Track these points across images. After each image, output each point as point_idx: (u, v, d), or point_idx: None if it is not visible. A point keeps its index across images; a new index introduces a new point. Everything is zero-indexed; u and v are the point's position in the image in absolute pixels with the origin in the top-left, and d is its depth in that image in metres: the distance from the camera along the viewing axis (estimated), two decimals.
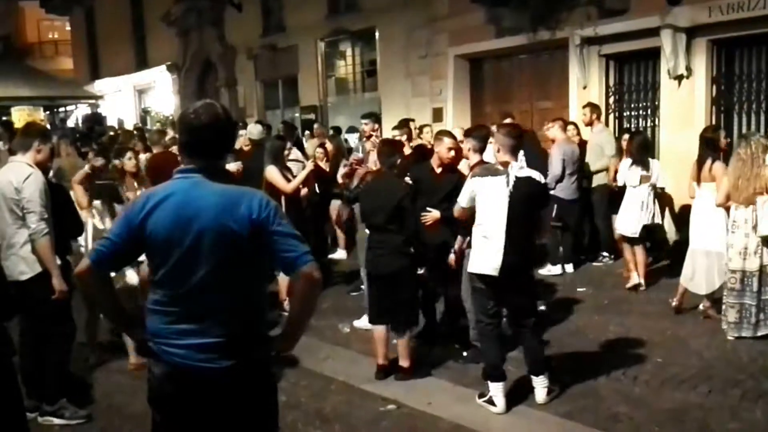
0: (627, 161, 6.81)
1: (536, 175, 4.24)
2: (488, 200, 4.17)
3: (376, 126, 7.90)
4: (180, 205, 2.24)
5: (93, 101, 21.69)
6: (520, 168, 4.20)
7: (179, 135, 2.39)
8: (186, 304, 2.24)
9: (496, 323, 4.32)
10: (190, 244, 2.21)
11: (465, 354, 5.03)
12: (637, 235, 6.71)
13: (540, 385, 4.30)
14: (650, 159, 6.88)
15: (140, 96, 20.84)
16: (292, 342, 2.44)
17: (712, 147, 5.78)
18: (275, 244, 2.25)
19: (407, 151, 6.69)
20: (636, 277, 6.79)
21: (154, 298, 2.30)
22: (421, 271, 4.89)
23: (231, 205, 2.23)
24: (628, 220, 6.71)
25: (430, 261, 5.06)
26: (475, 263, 4.24)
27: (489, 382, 4.26)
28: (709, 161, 5.70)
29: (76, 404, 4.29)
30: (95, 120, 19.08)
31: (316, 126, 11.03)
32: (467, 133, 5.20)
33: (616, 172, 7.19)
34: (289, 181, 6.34)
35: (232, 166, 6.33)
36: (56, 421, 4.17)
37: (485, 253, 4.17)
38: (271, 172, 6.17)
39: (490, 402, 4.24)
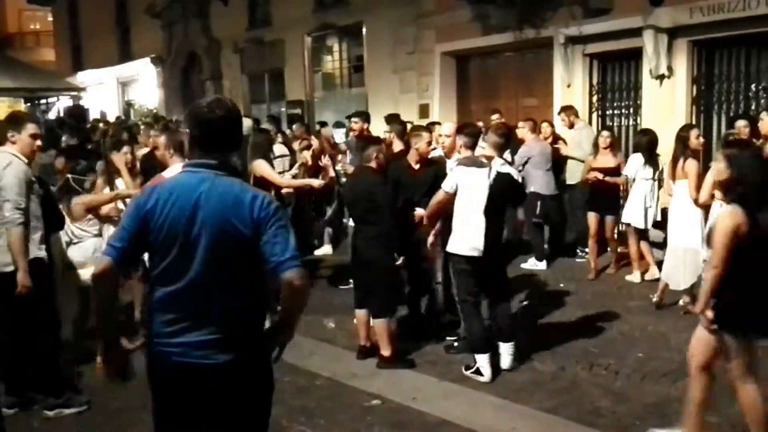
0: (638, 157, 6.69)
1: (515, 174, 4.65)
2: (470, 189, 4.55)
3: (366, 125, 7.90)
4: (184, 199, 2.24)
5: (75, 93, 21.39)
6: (501, 164, 4.59)
7: (191, 129, 2.36)
8: (183, 300, 2.25)
9: (478, 301, 4.72)
10: (191, 239, 2.23)
11: (456, 345, 5.12)
12: (643, 227, 6.73)
13: (506, 352, 4.72)
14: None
15: (123, 88, 20.64)
16: (283, 339, 2.44)
17: (684, 144, 5.88)
18: (266, 245, 2.25)
19: (398, 147, 6.71)
20: (638, 275, 6.89)
21: (154, 297, 2.31)
22: (399, 261, 4.97)
23: (234, 202, 2.25)
24: (640, 212, 6.68)
25: (411, 256, 5.19)
26: (458, 245, 4.61)
27: (476, 355, 4.61)
28: (681, 159, 5.81)
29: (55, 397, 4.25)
30: (77, 112, 18.87)
31: (295, 126, 10.28)
32: (459, 130, 5.29)
33: (590, 169, 7.17)
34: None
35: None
36: (67, 411, 4.16)
37: (467, 236, 4.56)
38: (262, 166, 6.11)
39: (478, 372, 4.56)
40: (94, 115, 18.44)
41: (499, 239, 4.66)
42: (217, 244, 2.23)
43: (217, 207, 2.23)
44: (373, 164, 4.96)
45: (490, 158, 4.58)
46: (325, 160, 6.99)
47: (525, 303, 6.37)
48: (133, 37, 19.27)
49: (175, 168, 4.44)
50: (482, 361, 4.58)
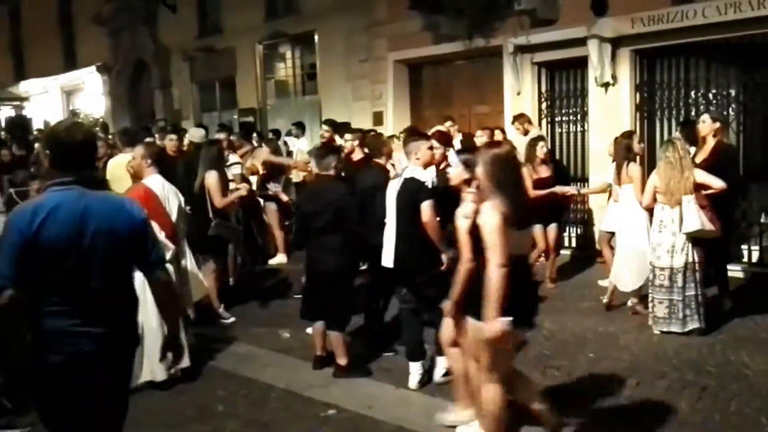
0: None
1: (419, 175, 4.59)
2: (388, 201, 4.71)
3: (336, 134, 7.91)
4: (72, 213, 2.50)
5: (17, 103, 20.75)
6: (411, 170, 4.61)
7: (52, 151, 2.63)
8: (82, 300, 2.52)
9: (415, 309, 4.70)
10: (87, 247, 2.50)
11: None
12: None
13: (439, 365, 4.65)
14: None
15: (68, 97, 20.07)
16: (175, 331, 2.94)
17: (628, 149, 6.05)
18: (140, 246, 2.66)
19: (358, 155, 6.71)
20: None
21: (48, 300, 2.50)
22: (363, 267, 4.96)
23: (116, 210, 2.62)
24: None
25: (373, 263, 5.18)
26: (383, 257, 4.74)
27: (410, 362, 4.65)
28: (625, 163, 5.99)
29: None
30: (20, 123, 18.27)
31: (233, 137, 9.20)
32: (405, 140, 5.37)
33: (534, 181, 6.94)
34: (227, 186, 6.31)
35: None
36: None
37: (386, 247, 4.69)
38: (210, 179, 6.09)
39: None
40: (37, 125, 17.87)
41: (416, 250, 4.51)
42: (109, 250, 2.54)
43: (103, 216, 2.54)
44: (332, 173, 4.95)
45: (405, 168, 4.72)
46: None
47: None
48: (78, 44, 18.77)
49: (154, 178, 4.77)
50: (413, 368, 4.63)
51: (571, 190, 7.65)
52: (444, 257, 4.45)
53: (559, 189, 7.24)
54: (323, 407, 4.40)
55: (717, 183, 5.37)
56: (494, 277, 3.17)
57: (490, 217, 3.23)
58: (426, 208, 4.40)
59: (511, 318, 3.21)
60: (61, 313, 2.50)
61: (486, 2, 9.22)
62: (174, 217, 4.89)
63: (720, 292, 6.05)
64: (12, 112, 20.58)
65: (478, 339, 3.34)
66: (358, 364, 4.94)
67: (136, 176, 5.04)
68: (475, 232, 3.32)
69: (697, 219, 5.26)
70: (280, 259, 8.68)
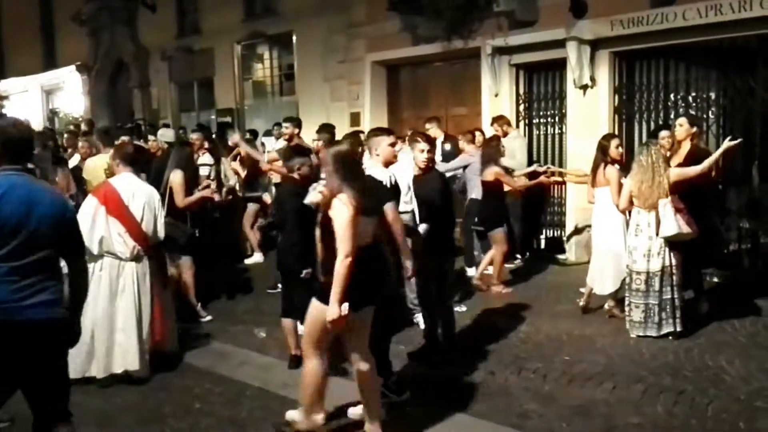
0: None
1: (377, 174, 4.35)
2: None
3: (297, 131, 7.84)
4: (25, 195, 2.86)
5: None
6: (369, 168, 4.42)
7: (3, 144, 2.92)
8: (31, 271, 2.85)
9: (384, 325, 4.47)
10: (35, 226, 2.85)
11: None
12: None
13: None
14: None
15: (48, 96, 19.89)
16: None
17: (604, 152, 6.05)
18: (71, 234, 3.04)
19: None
20: None
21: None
22: (303, 274, 4.81)
23: (57, 198, 3.06)
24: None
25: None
26: None
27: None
28: (601, 166, 5.99)
29: None
30: None
31: (195, 135, 8.12)
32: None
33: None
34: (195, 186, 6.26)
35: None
36: None
37: None
38: (175, 178, 6.05)
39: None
40: None
41: None
42: (51, 228, 2.91)
43: (48, 201, 2.94)
44: (294, 175, 4.96)
45: None
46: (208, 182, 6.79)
47: (463, 309, 6.40)
48: (58, 43, 18.63)
49: (123, 176, 4.95)
50: None
51: (555, 176, 7.98)
52: (408, 264, 4.35)
53: (544, 179, 7.72)
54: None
55: (693, 171, 5.42)
56: (340, 267, 3.44)
57: (342, 210, 3.47)
58: (388, 210, 4.16)
59: (348, 304, 3.46)
60: (8, 281, 2.80)
61: (464, 4, 9.21)
62: (139, 216, 4.81)
63: (696, 296, 6.07)
64: None
65: (318, 319, 3.60)
66: (335, 364, 4.84)
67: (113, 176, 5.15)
68: (325, 222, 3.58)
69: (674, 223, 5.28)
70: (256, 258, 8.65)
